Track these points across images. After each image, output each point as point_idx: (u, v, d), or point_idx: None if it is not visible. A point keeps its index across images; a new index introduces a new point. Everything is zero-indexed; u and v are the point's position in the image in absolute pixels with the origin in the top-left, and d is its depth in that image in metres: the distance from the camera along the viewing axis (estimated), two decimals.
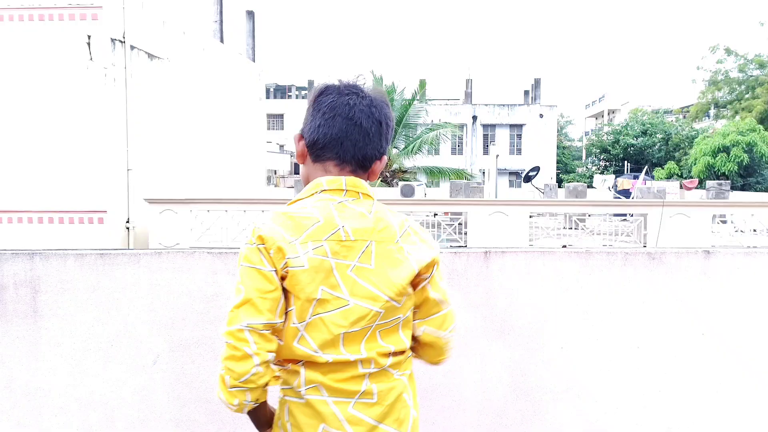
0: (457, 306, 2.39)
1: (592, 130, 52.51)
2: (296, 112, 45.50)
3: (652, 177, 24.36)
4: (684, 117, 43.22)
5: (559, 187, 21.77)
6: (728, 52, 35.04)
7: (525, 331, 2.39)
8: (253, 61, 25.46)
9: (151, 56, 16.04)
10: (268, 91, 49.79)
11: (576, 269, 2.38)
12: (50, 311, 2.30)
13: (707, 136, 27.62)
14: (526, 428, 2.42)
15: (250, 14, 26.58)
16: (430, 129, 27.22)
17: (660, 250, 2.37)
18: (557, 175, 41.36)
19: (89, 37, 13.90)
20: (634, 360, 2.41)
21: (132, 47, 15.09)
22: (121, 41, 14.67)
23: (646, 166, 22.79)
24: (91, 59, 13.97)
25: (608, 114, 61.52)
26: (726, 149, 24.23)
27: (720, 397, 2.41)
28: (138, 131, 15.18)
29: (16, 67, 13.91)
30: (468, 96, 43.47)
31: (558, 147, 43.94)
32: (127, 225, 14.96)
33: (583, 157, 49.06)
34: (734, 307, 2.37)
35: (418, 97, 26.85)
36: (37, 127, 13.97)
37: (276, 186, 31.31)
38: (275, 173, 42.03)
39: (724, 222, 13.63)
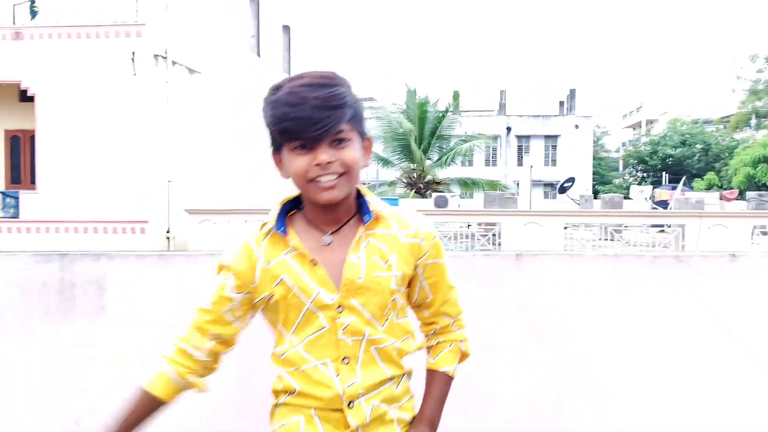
0: (489, 306, 2.53)
1: (629, 141, 51.85)
2: None
3: (691, 188, 24.07)
4: (724, 127, 42.54)
5: (596, 198, 21.63)
6: None
7: (555, 331, 2.51)
8: (289, 74, 25.94)
9: (191, 71, 16.51)
10: None
11: (605, 272, 2.50)
12: (115, 308, 2.50)
13: (747, 147, 27.21)
14: (556, 425, 2.53)
15: (287, 28, 27.04)
16: (464, 140, 27.32)
17: (687, 254, 2.48)
18: (593, 186, 41.03)
19: (133, 53, 14.40)
20: (661, 362, 2.51)
21: (173, 62, 15.57)
22: (163, 57, 15.15)
23: (684, 177, 22.55)
24: (134, 74, 14.47)
25: (646, 124, 60.75)
26: (767, 159, 23.85)
27: (744, 399, 2.49)
28: (178, 144, 15.63)
29: (65, 82, 14.47)
30: (502, 107, 43.44)
31: (594, 158, 43.59)
32: (168, 235, 15.38)
33: (620, 168, 48.58)
34: (759, 310, 2.46)
35: (451, 109, 26.95)
36: (83, 140, 14.49)
37: None
38: None
39: (765, 233, 13.44)
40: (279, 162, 1.39)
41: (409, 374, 1.46)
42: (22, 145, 16.26)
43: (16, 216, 15.11)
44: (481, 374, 2.53)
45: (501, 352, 2.53)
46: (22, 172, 16.31)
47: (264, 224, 1.41)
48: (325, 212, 1.37)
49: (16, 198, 15.13)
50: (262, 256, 1.38)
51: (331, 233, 1.38)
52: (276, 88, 1.34)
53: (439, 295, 1.48)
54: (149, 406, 1.38)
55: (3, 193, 15.33)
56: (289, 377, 1.40)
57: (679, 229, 13.19)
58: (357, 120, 1.33)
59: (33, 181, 15.63)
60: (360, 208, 1.40)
